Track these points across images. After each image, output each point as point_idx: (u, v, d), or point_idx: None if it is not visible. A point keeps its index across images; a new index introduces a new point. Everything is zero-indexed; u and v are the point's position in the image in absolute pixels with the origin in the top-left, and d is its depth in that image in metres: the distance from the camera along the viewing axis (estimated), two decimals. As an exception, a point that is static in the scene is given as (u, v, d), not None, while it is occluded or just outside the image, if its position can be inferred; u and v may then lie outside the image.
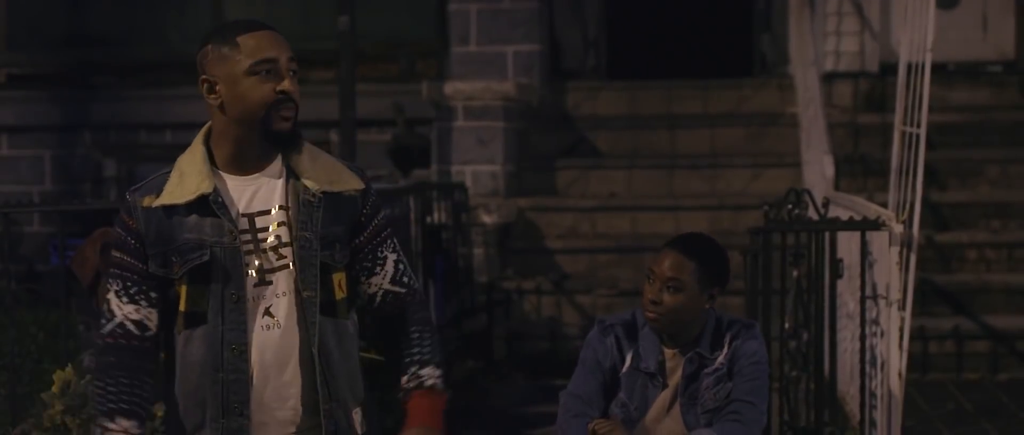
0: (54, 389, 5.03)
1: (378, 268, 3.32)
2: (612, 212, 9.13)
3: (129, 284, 3.20)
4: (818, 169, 8.08)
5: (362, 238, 3.30)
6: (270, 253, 3.18)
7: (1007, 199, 8.97)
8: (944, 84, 9.46)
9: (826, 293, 5.58)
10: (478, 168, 9.29)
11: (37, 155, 10.31)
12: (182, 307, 3.18)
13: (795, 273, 5.78)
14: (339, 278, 3.26)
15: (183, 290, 3.17)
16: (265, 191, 3.22)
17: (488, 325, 8.41)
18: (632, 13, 11.28)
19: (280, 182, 3.22)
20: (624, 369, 4.09)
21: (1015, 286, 8.38)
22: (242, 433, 3.18)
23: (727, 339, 4.10)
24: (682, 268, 4.01)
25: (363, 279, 3.32)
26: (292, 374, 3.20)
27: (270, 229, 3.19)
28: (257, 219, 3.19)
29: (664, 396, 4.09)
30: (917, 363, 7.76)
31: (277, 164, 3.24)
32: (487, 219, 9.00)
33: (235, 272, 3.15)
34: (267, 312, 3.18)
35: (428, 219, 7.79)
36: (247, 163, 3.21)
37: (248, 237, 3.17)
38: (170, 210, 3.17)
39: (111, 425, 3.18)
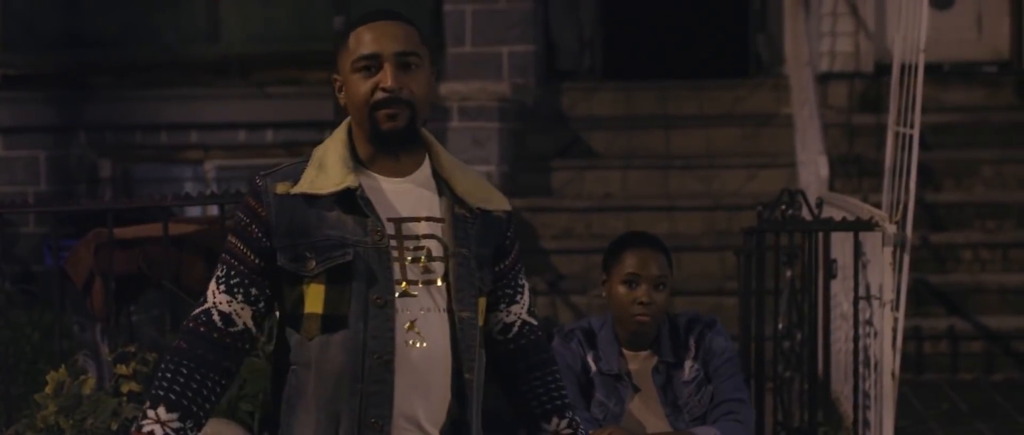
0: (48, 390, 5.02)
1: (519, 296, 3.11)
2: (607, 213, 9.13)
3: (232, 273, 2.95)
4: (813, 170, 8.09)
5: (506, 263, 3.09)
6: (417, 264, 2.92)
7: (1002, 199, 8.97)
8: (939, 84, 9.46)
9: (820, 293, 5.59)
10: (473, 169, 9.29)
11: (32, 156, 10.31)
12: (319, 309, 2.90)
13: (788, 273, 5.79)
14: (482, 304, 3.02)
15: (320, 290, 2.90)
16: (413, 197, 2.97)
17: (483, 325, 8.41)
18: (628, 13, 11.29)
19: (430, 191, 3.00)
20: (594, 371, 4.12)
21: (1010, 286, 8.39)
22: None
23: (692, 341, 4.11)
24: (663, 264, 4.07)
25: (503, 307, 3.09)
26: (439, 399, 2.95)
27: (420, 237, 2.94)
28: (404, 225, 2.94)
29: (638, 397, 4.10)
30: (912, 363, 7.77)
31: (426, 170, 3.01)
32: (482, 219, 8.99)
33: (381, 276, 2.88)
34: (411, 327, 2.91)
35: (423, 220, 7.78)
36: (391, 164, 2.97)
37: (394, 242, 2.91)
38: (309, 200, 2.91)
39: (149, 412, 2.91)
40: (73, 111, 10.28)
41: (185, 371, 2.92)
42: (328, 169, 2.93)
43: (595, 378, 4.11)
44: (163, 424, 2.89)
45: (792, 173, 8.96)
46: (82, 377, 5.07)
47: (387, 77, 2.92)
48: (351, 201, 2.91)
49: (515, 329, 3.11)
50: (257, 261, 2.94)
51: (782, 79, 9.94)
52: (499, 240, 3.07)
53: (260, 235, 2.94)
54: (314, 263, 2.89)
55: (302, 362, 2.93)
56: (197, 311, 2.96)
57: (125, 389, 5.03)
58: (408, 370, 2.90)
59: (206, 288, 3.00)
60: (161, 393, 2.91)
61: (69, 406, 5.00)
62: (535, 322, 3.14)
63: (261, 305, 2.97)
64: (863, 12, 9.77)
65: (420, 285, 2.92)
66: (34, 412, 5.09)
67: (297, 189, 2.92)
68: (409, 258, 2.92)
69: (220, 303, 2.94)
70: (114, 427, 4.96)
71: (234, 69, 10.14)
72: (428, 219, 2.96)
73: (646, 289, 4.03)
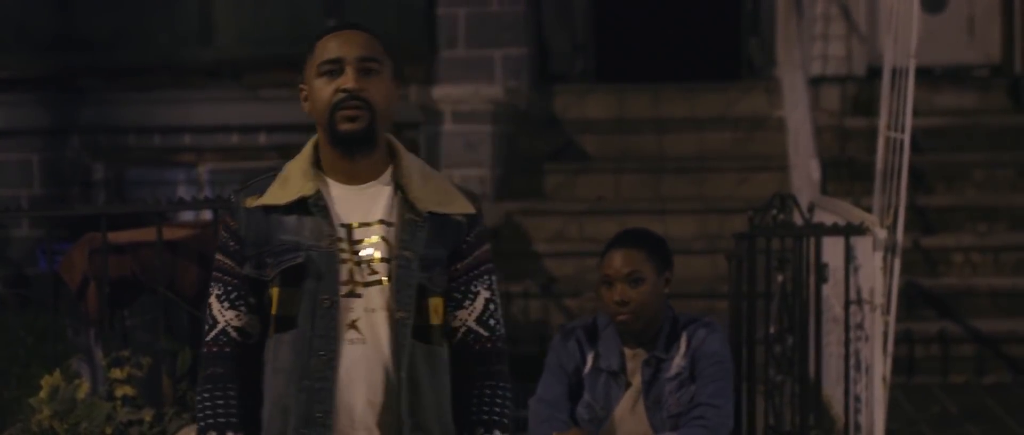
0: (42, 394, 5.03)
1: (467, 302, 3.21)
2: (600, 216, 9.14)
3: (230, 289, 3.15)
4: (805, 173, 8.11)
5: (458, 267, 3.20)
6: (363, 266, 3.10)
7: (993, 202, 8.99)
8: (931, 88, 9.48)
9: (811, 297, 5.60)
10: (466, 172, 9.30)
11: (25, 159, 10.30)
12: (274, 310, 3.12)
13: (780, 278, 5.80)
14: (436, 303, 3.16)
15: (276, 293, 3.11)
16: (369, 202, 3.14)
17: (476, 328, 8.41)
18: (620, 16, 11.30)
19: (386, 196, 3.14)
20: (586, 370, 4.14)
21: (1001, 289, 8.41)
22: None
23: (684, 338, 4.14)
24: (635, 260, 4.09)
25: (450, 310, 3.20)
26: (376, 395, 3.10)
27: (366, 241, 3.11)
28: (356, 230, 3.11)
29: (628, 395, 4.13)
30: (903, 366, 7.79)
31: (386, 178, 3.16)
32: (475, 223, 8.98)
33: (329, 278, 3.07)
34: (353, 325, 3.09)
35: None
36: (351, 171, 3.14)
37: (344, 245, 3.10)
38: (270, 211, 3.12)
39: None
40: (66, 114, 10.28)
41: (234, 392, 3.13)
42: (289, 181, 3.13)
43: (586, 379, 4.14)
44: None
45: (784, 176, 8.98)
46: (76, 381, 5.08)
47: (348, 79, 3.07)
48: (307, 208, 3.10)
49: (459, 334, 3.21)
50: (244, 271, 3.14)
51: (774, 82, 9.96)
52: (456, 243, 3.18)
53: (236, 248, 3.15)
54: (271, 268, 3.11)
55: (267, 360, 3.14)
56: (213, 334, 3.15)
57: (119, 393, 5.04)
58: (349, 367, 3.08)
59: (205, 304, 3.20)
60: (222, 421, 3.12)
61: (63, 410, 5.01)
62: (485, 333, 3.22)
63: (261, 313, 3.15)
64: (855, 15, 9.78)
65: (366, 287, 3.09)
66: (28, 416, 5.10)
67: (260, 202, 3.13)
68: (357, 260, 3.09)
69: (231, 320, 3.15)
70: (108, 431, 4.97)
71: (227, 72, 10.14)
72: (380, 223, 3.12)
73: (620, 288, 4.08)
